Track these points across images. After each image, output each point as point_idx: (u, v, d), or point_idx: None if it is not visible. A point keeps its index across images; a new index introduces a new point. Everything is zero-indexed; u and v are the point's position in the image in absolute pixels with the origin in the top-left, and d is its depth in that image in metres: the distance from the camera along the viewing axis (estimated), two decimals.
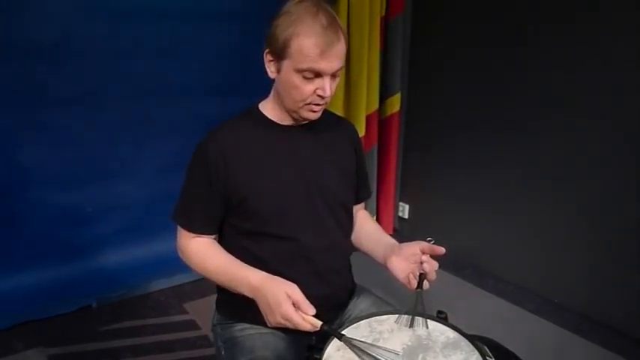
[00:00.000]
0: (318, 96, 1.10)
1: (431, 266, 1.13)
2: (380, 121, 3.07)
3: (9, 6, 2.08)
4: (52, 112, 2.28)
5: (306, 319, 0.99)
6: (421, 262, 1.13)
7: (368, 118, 2.95)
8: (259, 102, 1.25)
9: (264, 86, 1.23)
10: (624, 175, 2.13)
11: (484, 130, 2.66)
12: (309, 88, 1.09)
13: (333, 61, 1.07)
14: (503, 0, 2.46)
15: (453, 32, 2.75)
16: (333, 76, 1.11)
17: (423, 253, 1.14)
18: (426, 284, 1.11)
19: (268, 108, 1.22)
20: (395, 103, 3.04)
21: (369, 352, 0.94)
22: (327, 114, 1.35)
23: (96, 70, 2.33)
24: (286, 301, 0.99)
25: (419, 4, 2.93)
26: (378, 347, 0.96)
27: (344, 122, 1.40)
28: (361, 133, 2.89)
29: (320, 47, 1.04)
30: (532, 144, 2.44)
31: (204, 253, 1.20)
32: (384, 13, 2.88)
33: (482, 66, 2.62)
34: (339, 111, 2.81)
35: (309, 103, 1.12)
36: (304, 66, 1.06)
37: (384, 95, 3.04)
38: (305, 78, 1.08)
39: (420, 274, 1.12)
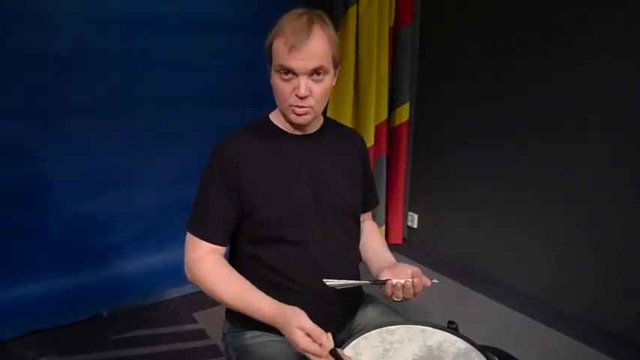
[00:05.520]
0: (297, 96, 1.11)
1: (419, 282, 1.12)
2: (389, 131, 3.08)
3: (23, 19, 2.13)
4: (66, 121, 2.32)
5: (323, 346, 0.98)
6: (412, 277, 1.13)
7: (377, 128, 2.97)
8: (269, 112, 1.27)
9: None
10: (638, 183, 2.12)
11: (493, 140, 2.66)
12: (287, 87, 1.11)
13: (304, 59, 1.07)
14: (512, 12, 2.47)
15: (461, 43, 2.77)
16: (314, 78, 1.11)
17: (413, 277, 1.13)
18: (390, 283, 1.12)
19: (276, 117, 1.25)
20: (404, 113, 3.05)
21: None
22: (335, 125, 1.39)
23: (109, 80, 2.38)
24: (302, 338, 0.98)
25: (427, 15, 2.95)
26: None
27: (352, 132, 1.43)
28: (370, 143, 2.91)
29: (288, 44, 1.07)
30: (543, 153, 2.43)
31: (213, 280, 1.16)
32: (392, 24, 2.91)
33: (490, 76, 2.62)
34: (348, 121, 2.83)
35: (292, 105, 1.13)
36: (277, 63, 1.10)
37: (393, 105, 3.05)
38: (282, 78, 1.11)
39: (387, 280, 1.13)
